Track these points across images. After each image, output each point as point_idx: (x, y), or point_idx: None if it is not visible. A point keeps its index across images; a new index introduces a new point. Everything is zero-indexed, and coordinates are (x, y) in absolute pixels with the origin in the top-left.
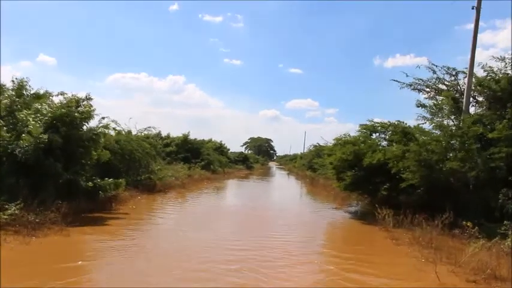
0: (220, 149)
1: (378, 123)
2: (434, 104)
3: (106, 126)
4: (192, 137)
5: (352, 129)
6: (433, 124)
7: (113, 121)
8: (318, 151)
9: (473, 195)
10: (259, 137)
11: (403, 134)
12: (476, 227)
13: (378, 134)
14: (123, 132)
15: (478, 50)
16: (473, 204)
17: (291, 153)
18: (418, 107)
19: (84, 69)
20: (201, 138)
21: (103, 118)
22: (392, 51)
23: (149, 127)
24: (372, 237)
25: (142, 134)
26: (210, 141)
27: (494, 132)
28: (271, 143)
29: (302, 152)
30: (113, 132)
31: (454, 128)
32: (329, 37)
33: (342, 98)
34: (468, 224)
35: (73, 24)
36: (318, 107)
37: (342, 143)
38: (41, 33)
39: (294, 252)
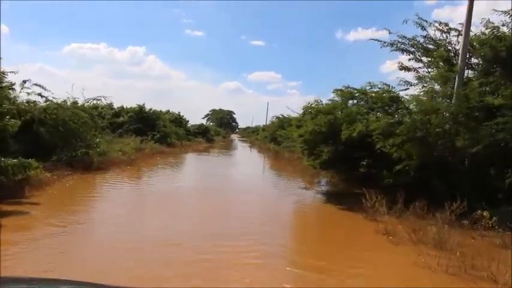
0: (178, 120)
1: (355, 89)
2: (427, 63)
3: (9, 87)
4: (152, 108)
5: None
6: (423, 91)
7: (36, 85)
8: (282, 123)
9: (469, 173)
10: (220, 109)
11: (390, 102)
12: (495, 218)
13: (355, 101)
14: (54, 100)
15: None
16: (468, 184)
17: (253, 125)
18: (401, 69)
19: (39, 38)
20: (158, 109)
21: (24, 82)
22: (354, 24)
23: (99, 96)
24: (359, 232)
25: (90, 103)
26: (167, 112)
27: (499, 99)
28: (233, 115)
29: (264, 124)
30: (41, 100)
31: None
32: (292, 10)
33: (304, 71)
34: (484, 214)
35: None
36: (281, 79)
37: (314, 112)
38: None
39: (252, 263)
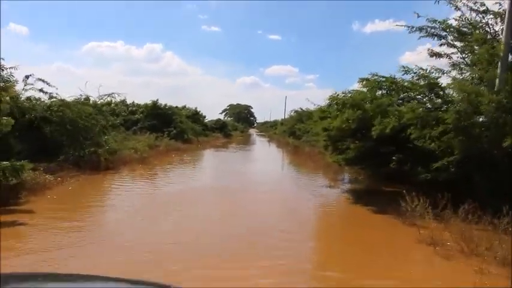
0: (195, 116)
1: (384, 77)
2: (461, 48)
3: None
4: (168, 104)
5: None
6: (464, 77)
7: (40, 80)
8: (301, 116)
9: None
10: (238, 104)
11: (428, 89)
12: None
13: (383, 92)
14: (59, 97)
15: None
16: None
17: (271, 119)
18: (432, 56)
19: (58, 38)
20: (174, 105)
21: (27, 77)
22: (371, 16)
23: (112, 93)
24: (399, 241)
25: (104, 100)
26: (184, 108)
27: None
28: (251, 110)
29: (283, 118)
30: (46, 97)
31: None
32: (308, 3)
33: (321, 64)
34: None
35: None
36: (298, 73)
37: (340, 103)
38: (11, 1)
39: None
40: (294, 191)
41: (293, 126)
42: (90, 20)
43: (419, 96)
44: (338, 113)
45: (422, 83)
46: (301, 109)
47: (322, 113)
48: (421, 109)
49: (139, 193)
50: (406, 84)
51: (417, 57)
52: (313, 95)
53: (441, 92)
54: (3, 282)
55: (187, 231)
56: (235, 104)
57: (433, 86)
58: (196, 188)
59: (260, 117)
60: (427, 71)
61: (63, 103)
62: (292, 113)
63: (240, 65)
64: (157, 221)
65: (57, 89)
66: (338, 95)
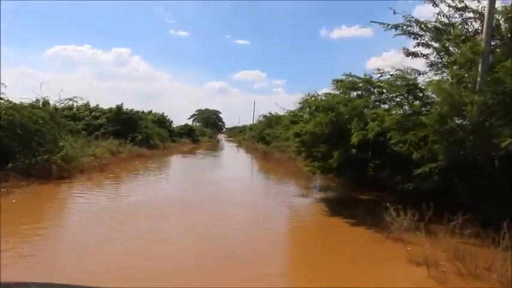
0: (162, 120)
1: (359, 78)
2: (444, 45)
3: None
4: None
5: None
6: (447, 76)
7: None
8: (270, 121)
9: (499, 174)
10: (206, 109)
11: (406, 90)
12: None
13: (358, 93)
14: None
15: None
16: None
17: (240, 124)
18: (408, 56)
19: (21, 41)
20: (141, 110)
21: None
22: (338, 22)
23: (74, 97)
24: (386, 261)
25: (65, 105)
26: (150, 112)
27: None
28: (220, 115)
29: (252, 123)
30: None
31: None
32: (276, 9)
33: (289, 69)
34: None
35: None
36: (266, 78)
37: (312, 106)
38: None
39: None
40: (265, 202)
41: (262, 132)
42: (55, 23)
43: (398, 99)
44: (310, 116)
45: (399, 83)
46: (270, 114)
47: (294, 117)
48: (399, 114)
49: (90, 207)
50: (382, 84)
51: (383, 62)
52: (282, 100)
53: (420, 94)
54: None
55: (136, 259)
56: (203, 109)
57: (411, 87)
58: (156, 199)
59: (229, 122)
60: (405, 71)
61: (11, 106)
62: (261, 118)
63: (208, 70)
64: (100, 245)
65: (5, 87)
66: (310, 97)
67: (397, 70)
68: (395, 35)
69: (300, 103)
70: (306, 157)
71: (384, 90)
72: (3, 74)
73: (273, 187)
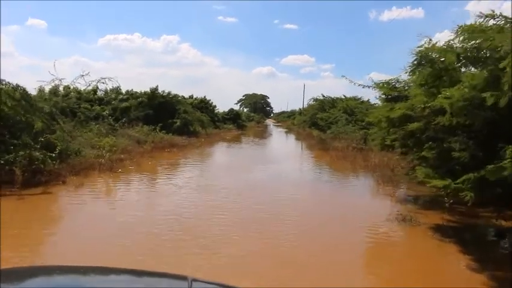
0: (203, 105)
1: None
2: None
3: None
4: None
5: (346, 84)
6: None
7: None
8: (323, 104)
9: None
10: (254, 94)
11: None
12: None
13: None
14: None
15: None
16: None
17: (288, 109)
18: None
19: (75, 32)
20: (180, 95)
21: None
22: (387, 4)
23: (103, 78)
24: None
25: (90, 88)
26: (191, 97)
27: None
28: (268, 100)
29: (301, 107)
30: None
31: None
32: None
33: (337, 53)
34: None
35: None
36: (314, 62)
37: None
38: None
39: None
40: (342, 232)
41: (314, 116)
42: (106, 13)
43: None
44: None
45: None
46: (324, 96)
47: (390, 91)
48: None
49: (80, 233)
50: None
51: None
52: (330, 85)
53: None
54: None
55: None
56: (251, 93)
57: None
58: (172, 217)
59: (277, 107)
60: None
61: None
62: (311, 102)
63: (256, 56)
64: None
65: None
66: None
67: None
68: None
69: (416, 54)
70: (401, 153)
71: None
72: (59, 64)
73: (347, 198)
